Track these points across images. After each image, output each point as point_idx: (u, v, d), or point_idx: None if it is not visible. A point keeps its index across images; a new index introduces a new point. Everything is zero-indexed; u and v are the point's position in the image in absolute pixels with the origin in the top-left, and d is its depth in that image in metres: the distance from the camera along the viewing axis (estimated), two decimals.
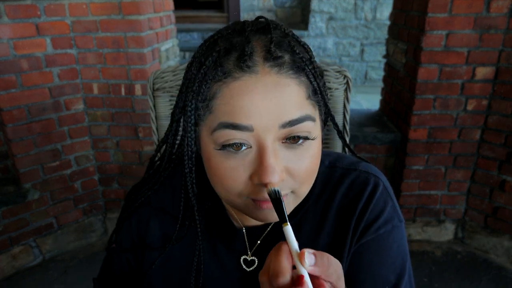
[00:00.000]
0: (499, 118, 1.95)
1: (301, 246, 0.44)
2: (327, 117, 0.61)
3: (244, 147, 0.50)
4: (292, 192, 0.54)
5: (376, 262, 0.61)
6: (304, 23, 4.85)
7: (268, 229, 0.66)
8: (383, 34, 4.61)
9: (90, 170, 2.26)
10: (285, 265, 0.41)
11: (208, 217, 0.68)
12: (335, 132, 0.95)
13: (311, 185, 0.57)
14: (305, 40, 4.64)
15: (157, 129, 0.98)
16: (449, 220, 2.27)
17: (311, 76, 0.53)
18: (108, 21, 1.93)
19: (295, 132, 0.50)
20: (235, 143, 0.50)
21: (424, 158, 2.11)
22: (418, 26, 1.93)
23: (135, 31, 1.93)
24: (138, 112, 2.11)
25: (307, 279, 0.41)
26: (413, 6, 1.98)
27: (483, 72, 1.90)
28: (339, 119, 0.94)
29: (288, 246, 0.43)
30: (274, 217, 0.53)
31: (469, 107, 1.98)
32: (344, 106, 0.93)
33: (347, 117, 0.93)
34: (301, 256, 0.41)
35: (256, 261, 0.66)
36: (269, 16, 4.89)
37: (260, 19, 0.56)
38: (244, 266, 0.66)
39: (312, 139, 0.52)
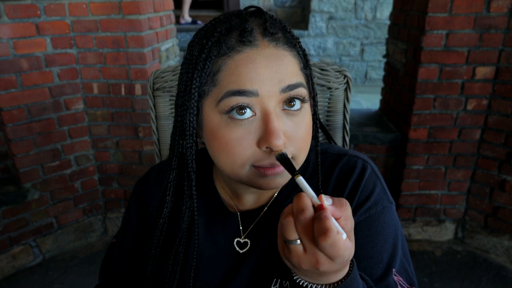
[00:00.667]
0: (499, 118, 1.95)
1: None
2: (314, 94, 0.65)
3: (249, 114, 0.54)
4: (292, 158, 0.58)
5: (369, 242, 0.63)
6: (304, 23, 4.84)
7: (262, 213, 0.69)
8: (383, 34, 4.61)
9: (90, 170, 2.26)
10: (308, 202, 0.45)
11: (204, 200, 0.72)
12: (335, 132, 0.95)
13: (306, 154, 0.61)
14: (305, 39, 4.66)
15: (157, 128, 0.97)
16: (449, 220, 2.27)
17: (301, 52, 0.60)
18: (108, 20, 1.93)
19: (292, 96, 0.56)
20: (241, 105, 0.54)
21: (424, 158, 2.11)
22: (418, 26, 1.93)
23: (135, 31, 1.93)
24: (138, 112, 2.11)
25: (328, 210, 0.44)
26: (413, 6, 1.98)
27: (483, 71, 1.90)
28: (339, 119, 0.94)
29: (306, 193, 0.47)
30: (277, 183, 0.58)
31: (469, 107, 1.98)
32: (344, 106, 0.93)
33: (347, 117, 0.93)
34: (319, 198, 0.45)
35: (249, 243, 0.68)
36: None
37: (251, 8, 0.60)
38: (237, 248, 0.69)
39: (305, 102, 0.58)
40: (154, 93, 0.94)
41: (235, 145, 0.55)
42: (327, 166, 0.69)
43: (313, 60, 0.91)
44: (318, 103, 0.93)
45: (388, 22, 2.48)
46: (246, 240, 0.69)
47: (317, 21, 4.61)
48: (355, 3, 4.55)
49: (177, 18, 4.22)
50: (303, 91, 0.57)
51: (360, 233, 0.63)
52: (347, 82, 0.91)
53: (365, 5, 4.55)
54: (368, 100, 4.35)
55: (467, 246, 2.25)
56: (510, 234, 2.09)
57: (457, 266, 2.11)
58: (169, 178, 0.67)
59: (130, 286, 0.77)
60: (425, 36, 1.86)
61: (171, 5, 2.31)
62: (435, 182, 2.17)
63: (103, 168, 2.28)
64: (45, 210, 2.13)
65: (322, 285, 0.49)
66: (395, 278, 0.62)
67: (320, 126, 0.75)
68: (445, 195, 2.20)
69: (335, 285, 0.49)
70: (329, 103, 0.93)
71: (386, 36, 2.48)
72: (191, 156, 0.62)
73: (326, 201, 0.45)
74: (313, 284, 0.49)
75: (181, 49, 3.79)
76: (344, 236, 0.44)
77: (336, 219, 0.45)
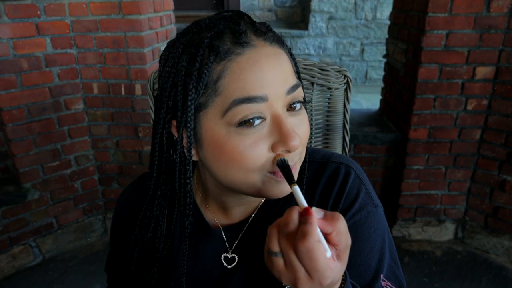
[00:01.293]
0: (499, 118, 1.95)
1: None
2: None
3: (258, 121, 0.51)
4: (299, 158, 0.58)
5: (355, 249, 0.62)
6: (304, 23, 4.84)
7: (246, 226, 0.67)
8: (383, 34, 4.61)
9: (90, 170, 2.26)
10: (295, 216, 0.44)
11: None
12: (335, 132, 0.95)
13: (305, 152, 0.60)
14: (305, 39, 4.66)
15: (153, 129, 0.97)
16: (449, 220, 2.27)
17: (289, 51, 0.58)
18: (108, 20, 1.92)
19: (295, 98, 0.54)
20: (253, 117, 0.50)
21: (424, 158, 2.11)
22: (418, 26, 1.92)
23: (135, 31, 1.93)
24: (138, 111, 2.11)
25: (314, 217, 0.43)
26: (413, 6, 1.98)
27: (483, 71, 1.90)
28: (339, 119, 0.94)
29: (298, 203, 0.46)
30: (287, 189, 0.56)
31: (469, 107, 1.98)
32: (344, 106, 0.93)
33: (347, 117, 0.93)
34: (309, 208, 0.44)
35: (237, 258, 0.67)
36: (269, 15, 4.89)
37: (224, 12, 0.58)
38: (225, 264, 0.67)
39: (304, 102, 0.57)
40: (154, 93, 0.93)
41: (249, 153, 0.52)
42: (311, 176, 0.66)
43: (313, 60, 0.91)
44: (318, 103, 0.93)
45: (388, 22, 2.49)
46: (234, 255, 0.67)
47: (317, 21, 4.60)
48: (355, 3, 4.55)
49: None
50: (302, 92, 0.56)
51: None
52: (347, 82, 0.91)
53: (365, 5, 4.55)
54: (368, 100, 4.35)
55: (467, 246, 2.25)
56: (510, 234, 2.09)
57: (457, 266, 2.10)
58: (156, 194, 0.63)
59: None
60: (425, 36, 1.86)
61: (171, 5, 2.31)
62: (435, 182, 2.17)
63: (103, 168, 2.28)
64: (45, 210, 2.13)
65: None
66: (383, 283, 0.61)
67: None
68: (445, 195, 2.20)
69: None
70: (329, 103, 0.93)
71: (386, 36, 2.48)
72: (189, 174, 0.57)
73: (317, 214, 0.44)
74: None
75: None
76: (328, 254, 0.42)
77: (326, 234, 0.43)
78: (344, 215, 0.62)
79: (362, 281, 0.61)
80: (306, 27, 4.68)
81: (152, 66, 2.09)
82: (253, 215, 0.67)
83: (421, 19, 1.88)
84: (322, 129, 0.95)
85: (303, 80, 0.88)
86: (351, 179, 0.64)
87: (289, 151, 0.52)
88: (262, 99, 0.50)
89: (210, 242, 0.68)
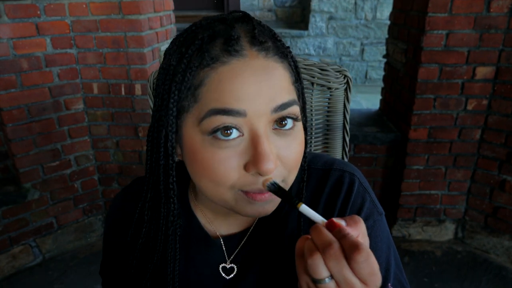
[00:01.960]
0: (499, 118, 1.95)
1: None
2: (305, 109, 0.60)
3: (235, 135, 0.48)
4: (283, 180, 0.53)
5: None
6: (304, 23, 4.84)
7: (246, 236, 0.64)
8: (383, 34, 4.61)
9: (90, 170, 2.26)
10: (329, 235, 0.42)
11: (182, 227, 0.65)
12: (335, 132, 0.95)
13: (296, 173, 0.56)
14: (305, 39, 4.66)
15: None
16: (449, 220, 2.27)
17: (292, 63, 0.53)
18: (108, 20, 1.92)
19: (285, 115, 0.50)
20: (226, 126, 0.47)
21: (424, 158, 2.11)
22: (418, 26, 1.92)
23: (135, 31, 1.93)
24: (138, 111, 2.11)
25: (346, 227, 0.42)
26: (413, 6, 1.98)
27: (483, 72, 1.90)
28: (339, 119, 0.94)
29: (314, 220, 0.44)
30: (266, 210, 0.53)
31: (469, 107, 1.98)
32: (344, 106, 0.93)
33: (347, 117, 0.93)
34: (331, 222, 0.43)
35: (236, 268, 0.64)
36: (269, 15, 4.89)
37: (234, 13, 0.54)
38: (223, 274, 0.64)
39: (298, 121, 0.52)
40: (154, 93, 0.93)
41: (219, 167, 0.49)
42: (314, 184, 0.64)
43: (313, 60, 0.91)
44: (318, 103, 0.93)
45: (388, 22, 2.48)
46: (232, 265, 0.64)
47: (317, 21, 4.61)
48: (355, 3, 4.55)
49: None
50: (296, 110, 0.51)
51: None
52: (347, 82, 0.91)
53: (365, 5, 4.55)
54: (368, 100, 4.35)
55: (467, 246, 2.25)
56: (510, 234, 2.09)
57: (457, 266, 2.10)
58: (146, 197, 0.60)
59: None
60: (425, 36, 1.86)
61: (171, 5, 2.31)
62: (435, 182, 2.17)
63: (103, 168, 2.28)
64: (45, 210, 2.13)
65: None
66: None
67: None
68: (445, 195, 2.20)
69: None
70: (329, 103, 0.93)
71: (386, 36, 2.48)
72: (172, 179, 0.54)
73: (342, 222, 0.43)
74: None
75: None
76: None
77: None
78: None
79: None
80: (306, 27, 4.68)
81: (152, 66, 2.09)
82: (254, 224, 0.64)
83: (421, 19, 1.88)
84: (322, 129, 0.95)
85: (303, 80, 0.88)
86: (356, 188, 0.62)
87: (260, 174, 0.48)
88: (239, 113, 0.47)
89: (208, 252, 0.65)
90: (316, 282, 0.42)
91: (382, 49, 4.64)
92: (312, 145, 0.94)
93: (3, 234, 2.01)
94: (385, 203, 2.35)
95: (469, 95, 1.95)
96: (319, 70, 0.89)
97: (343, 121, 0.94)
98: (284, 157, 0.51)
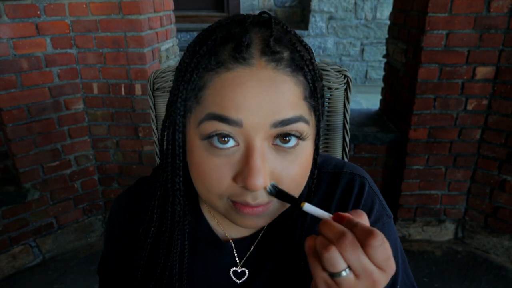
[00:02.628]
0: (499, 118, 1.95)
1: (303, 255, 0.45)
2: (319, 127, 0.57)
3: (231, 144, 0.47)
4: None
5: None
6: (304, 23, 4.85)
7: (257, 240, 0.64)
8: (383, 34, 4.61)
9: (90, 170, 2.26)
10: (340, 226, 0.41)
11: (191, 229, 0.64)
12: (335, 132, 0.95)
13: (300, 192, 0.53)
14: (305, 39, 4.64)
15: (157, 128, 0.97)
16: (449, 220, 2.27)
17: (309, 76, 0.50)
18: (108, 20, 1.93)
19: (287, 131, 0.47)
20: (221, 133, 0.46)
21: (424, 158, 2.11)
22: (418, 26, 1.93)
23: (135, 31, 1.93)
24: (138, 112, 2.11)
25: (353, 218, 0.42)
26: (413, 6, 1.98)
27: (483, 71, 1.90)
28: (339, 119, 0.94)
29: (320, 217, 0.44)
30: (256, 223, 0.51)
31: (469, 107, 1.98)
32: (344, 106, 0.93)
33: (347, 117, 0.93)
34: (339, 215, 0.43)
35: (247, 272, 0.63)
36: None
37: (263, 14, 0.52)
38: (234, 278, 0.63)
39: (303, 140, 0.49)
40: (154, 93, 0.93)
41: (210, 174, 0.48)
42: (325, 188, 0.64)
43: None
44: None
45: (388, 22, 2.49)
46: (244, 269, 0.63)
47: (317, 21, 4.61)
48: (355, 3, 4.55)
49: None
50: (302, 127, 0.48)
51: None
52: (347, 82, 0.91)
53: (365, 5, 4.55)
54: (368, 100, 4.35)
55: (467, 246, 2.25)
56: (510, 234, 2.09)
57: (457, 266, 2.10)
58: (157, 195, 0.59)
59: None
60: (425, 36, 1.86)
61: (171, 5, 2.31)
62: (435, 182, 2.17)
63: (103, 168, 2.28)
64: (45, 210, 2.13)
65: None
66: None
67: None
68: (445, 195, 2.20)
69: None
70: (329, 103, 0.93)
71: (386, 36, 2.48)
72: (179, 179, 0.54)
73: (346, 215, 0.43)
74: None
75: (181, 49, 3.80)
76: None
77: None
78: None
79: None
80: (306, 27, 4.68)
81: (152, 66, 2.09)
82: (265, 227, 0.63)
83: (421, 19, 1.88)
84: (322, 129, 0.95)
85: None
86: (366, 191, 0.62)
87: (247, 189, 0.47)
88: (235, 122, 0.45)
89: (218, 255, 0.64)
90: (334, 276, 0.41)
91: (382, 49, 4.64)
92: None
93: (3, 234, 2.01)
94: None
95: (469, 95, 1.95)
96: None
97: (343, 121, 0.94)
98: (281, 175, 0.49)
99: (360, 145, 2.23)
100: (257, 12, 0.54)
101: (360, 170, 0.66)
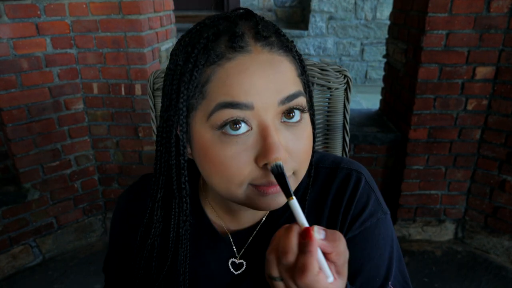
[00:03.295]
0: (499, 118, 1.95)
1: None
2: (312, 102, 0.61)
3: (244, 129, 0.49)
4: (293, 173, 0.54)
5: (365, 256, 0.62)
6: (304, 23, 4.84)
7: (255, 232, 0.65)
8: (383, 34, 4.61)
9: (90, 170, 2.26)
10: (294, 243, 0.43)
11: (190, 222, 0.66)
12: (335, 132, 0.95)
13: (307, 167, 0.57)
14: (305, 39, 4.66)
15: (157, 128, 0.97)
16: (449, 220, 2.27)
17: (297, 56, 0.55)
18: (108, 20, 1.92)
19: (292, 106, 0.51)
20: (235, 120, 0.48)
21: (424, 158, 2.11)
22: (418, 26, 1.92)
23: (135, 31, 1.93)
24: (138, 112, 2.11)
25: (315, 243, 0.42)
26: (413, 6, 1.98)
27: (483, 71, 1.90)
28: (339, 119, 0.94)
29: (297, 220, 0.45)
30: (278, 202, 0.53)
31: (469, 107, 1.98)
32: (344, 106, 0.93)
33: (347, 117, 0.93)
34: (307, 232, 0.43)
35: (245, 264, 0.65)
36: (269, 15, 4.89)
37: (238, 9, 0.56)
38: (232, 270, 0.65)
39: (305, 113, 0.53)
40: (154, 93, 0.93)
41: (230, 163, 0.50)
42: (322, 182, 0.65)
43: (313, 60, 0.91)
44: (318, 103, 0.93)
45: (388, 22, 2.49)
46: (242, 261, 0.65)
47: (317, 21, 4.61)
48: (355, 3, 4.55)
49: None
50: (302, 101, 0.52)
51: (356, 247, 0.61)
52: (347, 82, 0.91)
53: (365, 5, 4.55)
54: (368, 100, 4.35)
55: (467, 246, 2.25)
56: (510, 234, 2.09)
57: (457, 266, 2.10)
58: (156, 197, 0.61)
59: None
60: (425, 36, 1.86)
61: (171, 5, 2.31)
62: (435, 182, 2.17)
63: (103, 168, 2.28)
64: (45, 210, 2.13)
65: None
66: None
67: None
68: (445, 195, 2.20)
69: None
70: (329, 103, 0.93)
71: (386, 36, 2.48)
72: (184, 178, 0.56)
73: (318, 234, 0.43)
74: None
75: None
76: (330, 279, 0.43)
77: (326, 254, 0.43)
78: (354, 222, 0.62)
79: None
80: (306, 27, 4.68)
81: (152, 66, 2.09)
82: (263, 219, 0.65)
83: (421, 19, 1.88)
84: (322, 129, 0.95)
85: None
86: (362, 186, 0.63)
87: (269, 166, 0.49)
88: (246, 106, 0.48)
89: (217, 247, 0.66)
90: (270, 278, 0.45)
91: (382, 49, 4.64)
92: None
93: (3, 234, 2.01)
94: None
95: (469, 95, 1.95)
96: (319, 70, 0.89)
97: (343, 121, 0.94)
98: (293, 149, 0.52)
99: (360, 145, 2.23)
100: (257, 12, 0.56)
101: (358, 165, 0.67)
